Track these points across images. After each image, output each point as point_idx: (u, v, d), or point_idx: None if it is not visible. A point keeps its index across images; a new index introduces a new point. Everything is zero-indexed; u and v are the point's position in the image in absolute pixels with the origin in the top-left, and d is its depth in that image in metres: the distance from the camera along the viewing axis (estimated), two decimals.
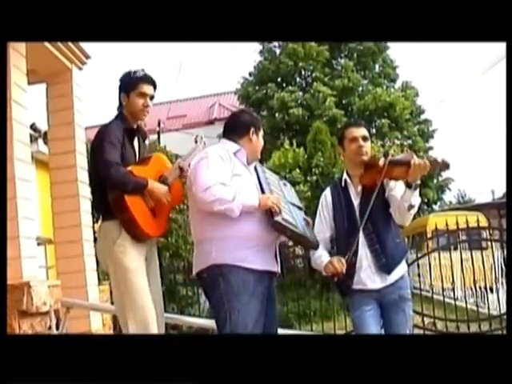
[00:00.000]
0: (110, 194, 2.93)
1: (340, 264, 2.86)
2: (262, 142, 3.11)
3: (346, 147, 3.10)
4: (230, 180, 2.80)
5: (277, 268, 2.93)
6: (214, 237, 2.82)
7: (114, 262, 2.96)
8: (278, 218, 2.75)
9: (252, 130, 3.03)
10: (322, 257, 3.02)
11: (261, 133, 3.10)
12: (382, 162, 2.98)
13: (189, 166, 3.01)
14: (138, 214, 2.94)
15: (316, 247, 3.04)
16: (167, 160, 3.32)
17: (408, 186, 2.89)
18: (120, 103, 3.18)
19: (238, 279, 2.76)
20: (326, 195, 3.17)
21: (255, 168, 3.06)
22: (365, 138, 3.07)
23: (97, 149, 3.02)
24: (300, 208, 3.11)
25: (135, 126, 3.18)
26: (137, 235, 2.98)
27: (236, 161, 2.91)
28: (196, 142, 3.27)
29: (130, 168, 2.99)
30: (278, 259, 2.95)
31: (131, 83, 3.13)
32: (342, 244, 3.04)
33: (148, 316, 2.90)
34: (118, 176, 2.92)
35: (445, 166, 2.97)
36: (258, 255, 2.82)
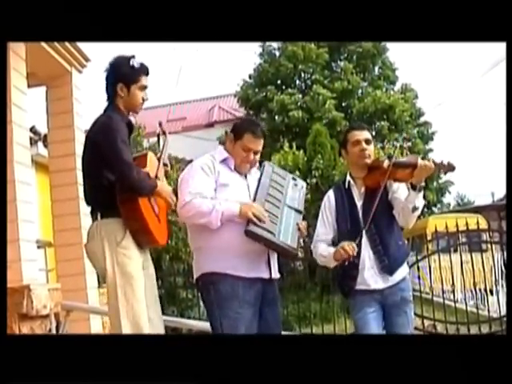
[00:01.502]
0: (121, 195, 2.76)
1: (351, 247, 2.84)
2: (241, 152, 2.96)
3: (349, 150, 3.10)
4: (214, 191, 2.84)
5: (269, 274, 2.92)
6: (202, 247, 2.91)
7: (115, 264, 2.82)
8: (249, 227, 2.75)
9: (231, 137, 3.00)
10: (328, 249, 3.02)
11: (245, 139, 2.96)
12: (386, 163, 2.98)
13: (168, 159, 3.10)
14: (150, 222, 2.81)
15: (295, 257, 3.04)
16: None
17: (412, 187, 2.90)
18: (114, 93, 2.91)
19: (227, 287, 2.81)
20: (330, 196, 3.17)
21: (262, 169, 3.05)
22: (368, 141, 3.07)
23: (109, 146, 2.77)
24: (299, 212, 3.07)
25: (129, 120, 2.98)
26: (146, 243, 2.89)
27: (222, 169, 2.93)
28: (162, 134, 3.23)
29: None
30: (273, 265, 2.94)
31: (133, 75, 2.89)
32: None
33: (142, 322, 2.81)
34: (139, 179, 2.75)
35: (450, 168, 2.97)
36: (246, 263, 2.84)
